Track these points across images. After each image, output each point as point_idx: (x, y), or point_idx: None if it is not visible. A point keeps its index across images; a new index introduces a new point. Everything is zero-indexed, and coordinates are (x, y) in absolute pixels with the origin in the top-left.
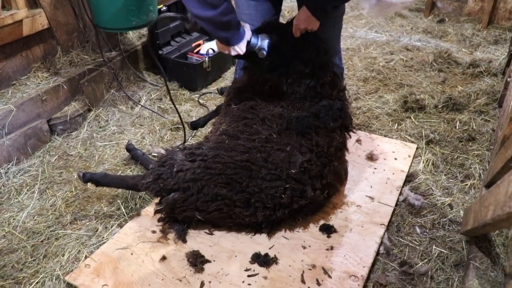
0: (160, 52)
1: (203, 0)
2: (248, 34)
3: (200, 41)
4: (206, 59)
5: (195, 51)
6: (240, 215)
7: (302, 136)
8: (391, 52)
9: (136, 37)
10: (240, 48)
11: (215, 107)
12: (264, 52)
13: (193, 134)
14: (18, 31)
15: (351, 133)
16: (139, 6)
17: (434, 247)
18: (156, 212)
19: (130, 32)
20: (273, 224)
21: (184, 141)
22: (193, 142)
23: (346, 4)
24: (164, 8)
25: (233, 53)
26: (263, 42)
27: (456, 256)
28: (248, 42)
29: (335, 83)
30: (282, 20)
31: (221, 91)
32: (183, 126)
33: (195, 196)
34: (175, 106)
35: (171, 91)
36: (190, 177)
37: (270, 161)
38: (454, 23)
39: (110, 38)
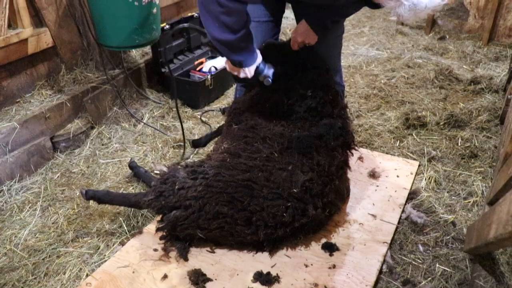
0: (163, 70)
1: (224, 24)
2: (259, 59)
3: (203, 59)
4: (209, 76)
5: (197, 69)
6: (242, 233)
7: (303, 155)
8: (393, 69)
9: (139, 55)
10: (250, 71)
11: (217, 126)
12: (270, 80)
13: (195, 152)
14: (23, 50)
15: (353, 151)
16: (143, 25)
17: (437, 265)
18: (157, 229)
19: (133, 50)
20: (275, 243)
21: (183, 154)
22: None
23: (348, 22)
24: (167, 26)
25: (242, 75)
26: (269, 71)
27: (460, 274)
28: (257, 68)
29: (336, 101)
30: (284, 38)
31: (223, 111)
32: (184, 142)
33: (197, 214)
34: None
35: (173, 109)
36: (192, 195)
37: (272, 180)
38: (455, 40)
39: (113, 56)
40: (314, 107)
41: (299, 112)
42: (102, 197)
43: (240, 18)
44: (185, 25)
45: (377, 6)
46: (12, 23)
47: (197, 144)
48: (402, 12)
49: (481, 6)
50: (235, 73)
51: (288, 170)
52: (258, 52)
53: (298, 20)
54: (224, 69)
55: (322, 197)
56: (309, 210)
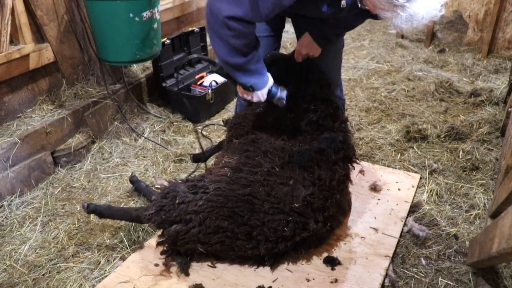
0: (164, 84)
1: (233, 47)
2: (270, 82)
3: (203, 73)
4: (209, 91)
5: (198, 83)
6: (242, 247)
7: (304, 170)
8: (393, 82)
9: (140, 69)
10: (262, 95)
11: (218, 141)
12: (284, 102)
13: (197, 166)
14: (25, 65)
15: (354, 164)
16: (143, 40)
17: (440, 279)
18: (158, 244)
19: (134, 65)
20: (276, 257)
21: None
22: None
23: (348, 36)
24: (168, 41)
25: (255, 99)
26: (283, 93)
27: None
28: (269, 91)
29: (337, 115)
30: (284, 52)
31: (226, 122)
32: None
33: (197, 228)
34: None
35: (174, 123)
36: (192, 209)
37: (273, 195)
38: (455, 53)
39: (114, 71)
40: (315, 121)
41: (300, 125)
42: (104, 212)
43: (249, 40)
44: (195, 56)
45: (377, 16)
46: (14, 39)
47: (198, 159)
48: (399, 23)
49: (480, 19)
50: (248, 98)
51: (289, 184)
52: (269, 75)
53: (298, 34)
54: (224, 83)
55: (323, 211)
56: (310, 224)
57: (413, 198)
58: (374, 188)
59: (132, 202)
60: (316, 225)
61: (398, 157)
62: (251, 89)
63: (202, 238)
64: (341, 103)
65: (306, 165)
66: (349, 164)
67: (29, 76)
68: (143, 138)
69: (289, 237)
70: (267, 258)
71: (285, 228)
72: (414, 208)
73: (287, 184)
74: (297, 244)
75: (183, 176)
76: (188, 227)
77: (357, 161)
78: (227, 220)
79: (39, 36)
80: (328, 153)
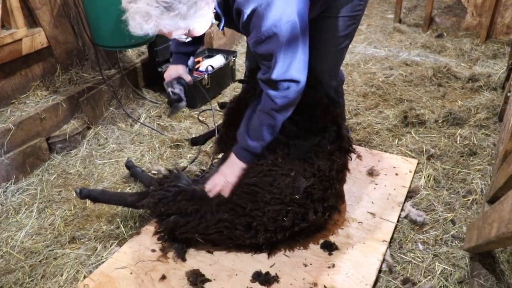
0: (160, 69)
1: None
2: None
3: (200, 58)
4: (206, 76)
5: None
6: (241, 237)
7: (304, 161)
8: (390, 67)
9: (135, 54)
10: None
11: (216, 125)
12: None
13: (193, 150)
14: (18, 50)
15: (352, 154)
16: None
17: (437, 263)
18: (155, 233)
19: (129, 49)
20: (274, 244)
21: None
22: (197, 163)
23: None
24: None
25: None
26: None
27: (459, 273)
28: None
29: (328, 111)
30: None
31: (221, 105)
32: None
33: (197, 221)
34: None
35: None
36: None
37: (275, 185)
38: (453, 38)
39: (109, 56)
40: (308, 127)
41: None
42: (98, 196)
43: None
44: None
45: None
46: (6, 23)
47: (196, 142)
48: None
49: (478, 4)
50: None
51: (291, 176)
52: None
53: None
54: (221, 69)
55: (323, 201)
56: (309, 215)
57: (411, 183)
58: (372, 173)
59: (128, 188)
60: (315, 215)
61: (396, 142)
62: None
63: (200, 230)
64: (340, 83)
65: (306, 156)
66: (347, 155)
67: (22, 61)
68: (139, 123)
69: (288, 227)
70: (265, 246)
71: (285, 218)
72: (411, 193)
73: (288, 175)
74: (295, 233)
75: (179, 161)
76: (186, 219)
77: (354, 152)
78: (227, 212)
79: (32, 20)
80: (323, 143)
